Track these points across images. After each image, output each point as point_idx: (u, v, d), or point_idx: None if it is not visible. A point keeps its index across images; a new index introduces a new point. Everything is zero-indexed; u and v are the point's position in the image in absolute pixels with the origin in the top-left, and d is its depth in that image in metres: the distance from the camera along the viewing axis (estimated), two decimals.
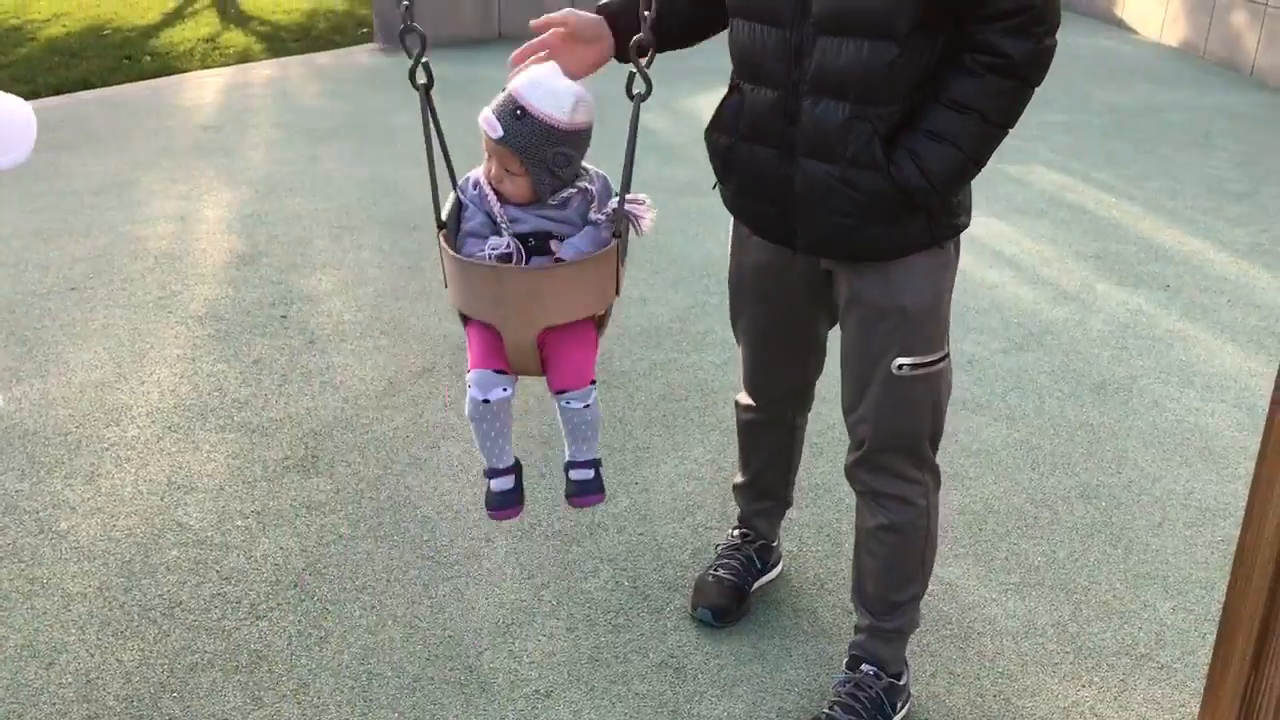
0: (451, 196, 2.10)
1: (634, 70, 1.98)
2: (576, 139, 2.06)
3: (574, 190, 2.08)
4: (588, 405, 2.14)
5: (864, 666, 2.45)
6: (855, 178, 2.07)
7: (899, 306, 2.19)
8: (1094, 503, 3.31)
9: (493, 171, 2.04)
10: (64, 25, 10.21)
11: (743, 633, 2.73)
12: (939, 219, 2.16)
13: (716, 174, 2.35)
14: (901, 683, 2.47)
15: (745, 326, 2.58)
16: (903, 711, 2.46)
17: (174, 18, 10.94)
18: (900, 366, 2.22)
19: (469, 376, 2.10)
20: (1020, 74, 2.01)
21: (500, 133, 1.99)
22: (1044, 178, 6.45)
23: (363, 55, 9.57)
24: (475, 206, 2.08)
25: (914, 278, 2.18)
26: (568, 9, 2.27)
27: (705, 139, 2.33)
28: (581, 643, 2.69)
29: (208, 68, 9.02)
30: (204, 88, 8.33)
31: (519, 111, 1.99)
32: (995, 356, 4.21)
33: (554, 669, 2.60)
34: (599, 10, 2.29)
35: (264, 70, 8.97)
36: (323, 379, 3.90)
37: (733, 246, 2.50)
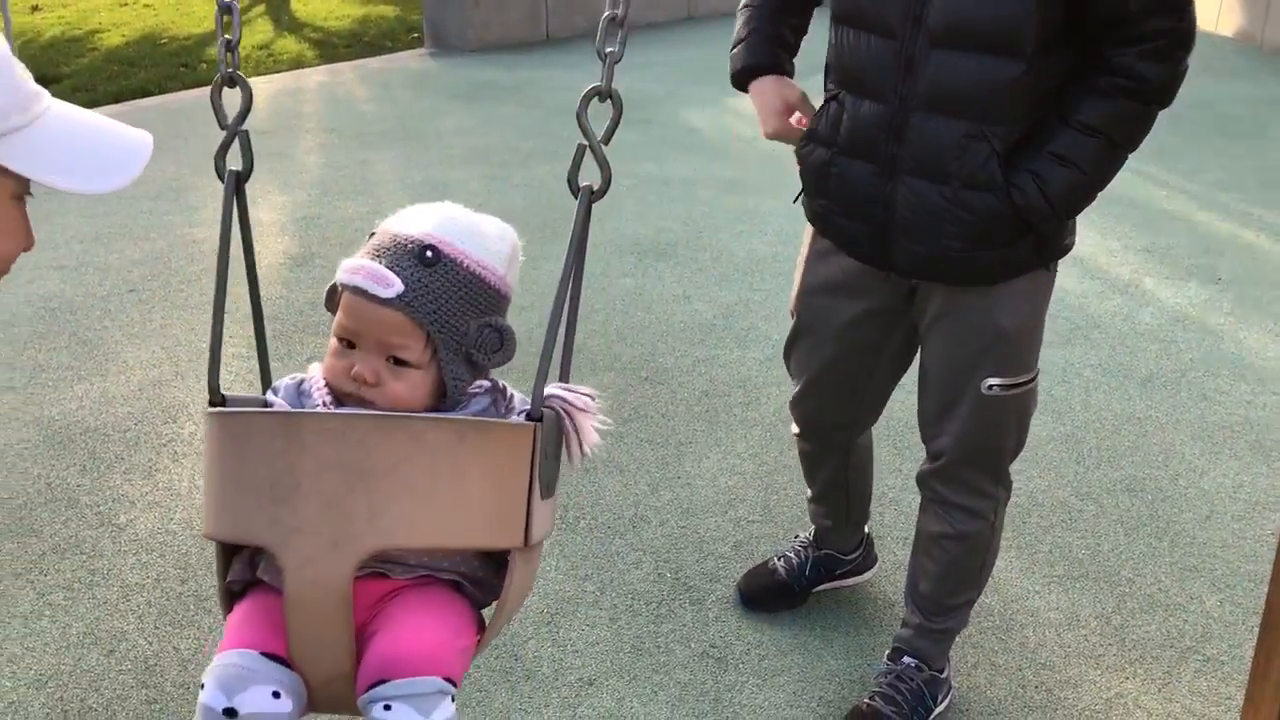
0: (255, 395, 1.43)
1: (582, 145, 1.34)
2: (505, 308, 1.38)
3: (478, 388, 1.36)
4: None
5: (906, 659, 2.46)
6: (969, 199, 1.97)
7: (997, 327, 2.11)
8: (1140, 496, 3.29)
9: (358, 369, 1.27)
10: (123, 35, 10.45)
11: (783, 624, 2.76)
12: (1049, 241, 2.08)
13: (806, 188, 2.23)
14: (943, 676, 2.47)
15: (804, 351, 2.44)
16: (944, 704, 2.47)
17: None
18: (991, 387, 2.15)
19: (209, 667, 1.24)
20: (1153, 98, 1.93)
21: (398, 288, 1.25)
22: None
23: (413, 60, 9.69)
24: (289, 402, 1.39)
25: (1015, 299, 2.10)
26: (778, 95, 2.21)
27: (796, 151, 2.21)
28: (624, 633, 2.72)
29: (261, 74, 9.19)
30: (258, 94, 8.41)
31: (429, 254, 1.27)
32: (1042, 349, 4.18)
33: (597, 658, 2.64)
34: (768, 71, 2.27)
35: (316, 76, 9.12)
36: None
37: (807, 261, 2.34)
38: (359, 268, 1.30)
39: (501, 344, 1.31)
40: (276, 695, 1.14)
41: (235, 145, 1.39)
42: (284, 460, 1.10)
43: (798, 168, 2.24)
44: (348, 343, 1.30)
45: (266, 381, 1.41)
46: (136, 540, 3.06)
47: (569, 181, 1.34)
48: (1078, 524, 3.16)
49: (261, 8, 12.08)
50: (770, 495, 3.28)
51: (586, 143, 1.35)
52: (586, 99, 1.34)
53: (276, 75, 9.13)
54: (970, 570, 2.41)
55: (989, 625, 2.76)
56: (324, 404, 1.30)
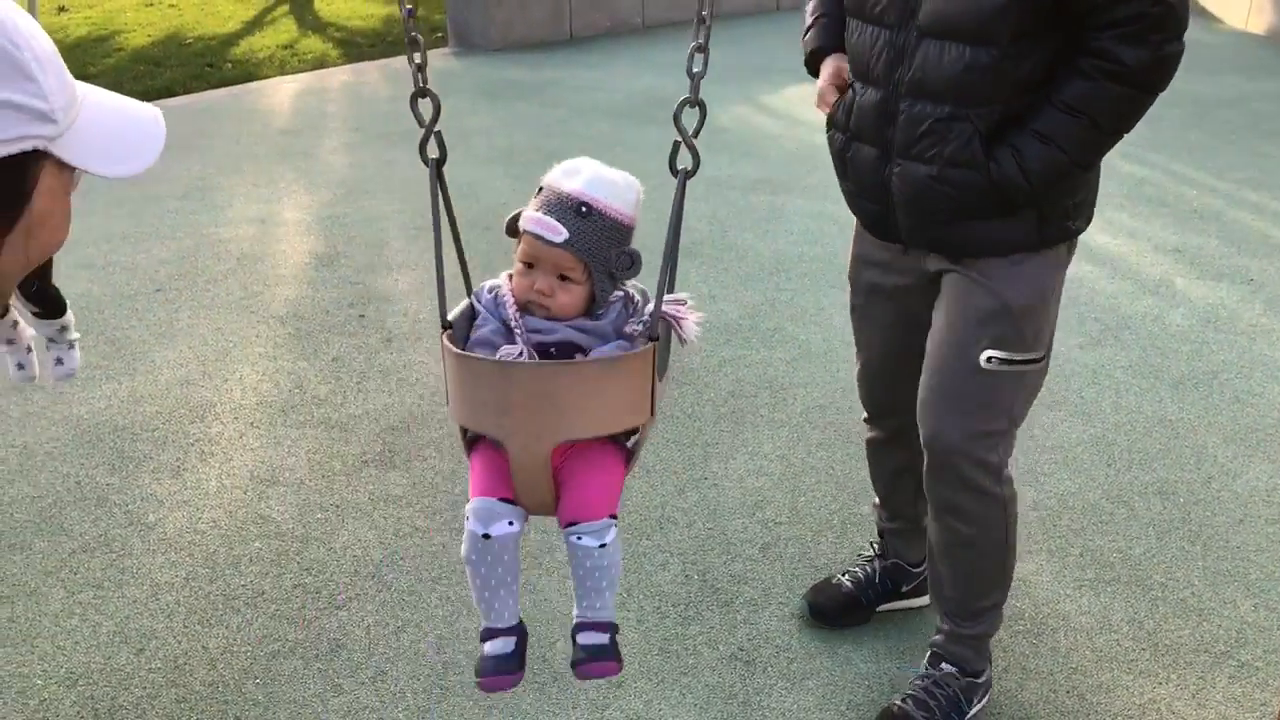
0: (464, 301, 1.83)
1: (678, 140, 1.72)
2: (632, 236, 1.82)
3: (616, 297, 1.80)
4: (604, 545, 1.70)
5: (944, 665, 2.44)
6: (951, 175, 2.08)
7: (1000, 301, 2.15)
8: (1172, 499, 3.26)
9: (537, 284, 1.73)
10: (148, 35, 10.51)
11: (814, 626, 2.74)
12: (1050, 220, 2.14)
13: (836, 172, 2.37)
14: (981, 679, 2.45)
15: (859, 329, 2.56)
16: (979, 705, 2.45)
17: (253, 26, 11.19)
18: (990, 359, 2.17)
19: (468, 507, 1.72)
20: (1136, 81, 1.98)
21: (564, 235, 1.71)
22: (1123, 170, 6.34)
23: (436, 59, 9.70)
24: (488, 313, 1.79)
25: (1020, 275, 2.16)
26: (832, 66, 2.32)
27: (826, 136, 2.36)
28: (652, 634, 2.71)
29: (286, 74, 9.22)
30: (283, 93, 8.52)
31: (584, 208, 1.73)
32: (1072, 352, 4.15)
33: (625, 660, 2.63)
34: (825, 53, 2.36)
35: (340, 75, 9.15)
36: (400, 377, 3.98)
37: (854, 243, 2.49)
38: (537, 220, 1.73)
39: (632, 264, 1.76)
40: (511, 523, 1.70)
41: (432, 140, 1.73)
42: (502, 391, 1.64)
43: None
44: (528, 264, 1.75)
45: (445, 300, 1.78)
46: (165, 539, 3.07)
47: (670, 166, 1.72)
48: (1109, 527, 3.13)
49: (285, 7, 12.13)
50: (798, 497, 3.26)
51: (681, 139, 1.70)
52: (680, 106, 1.70)
53: (301, 75, 9.16)
54: (987, 574, 2.39)
55: (1020, 629, 2.73)
56: (515, 317, 1.74)
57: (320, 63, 9.64)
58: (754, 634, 2.72)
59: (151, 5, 12.31)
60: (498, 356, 1.69)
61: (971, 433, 2.24)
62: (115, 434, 3.59)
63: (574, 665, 1.76)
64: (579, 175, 1.76)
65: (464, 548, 1.72)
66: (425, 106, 1.70)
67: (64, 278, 4.73)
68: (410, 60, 1.73)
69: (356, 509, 3.21)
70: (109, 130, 1.19)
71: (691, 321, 1.78)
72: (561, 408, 1.63)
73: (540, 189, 1.77)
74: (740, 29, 10.48)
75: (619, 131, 6.89)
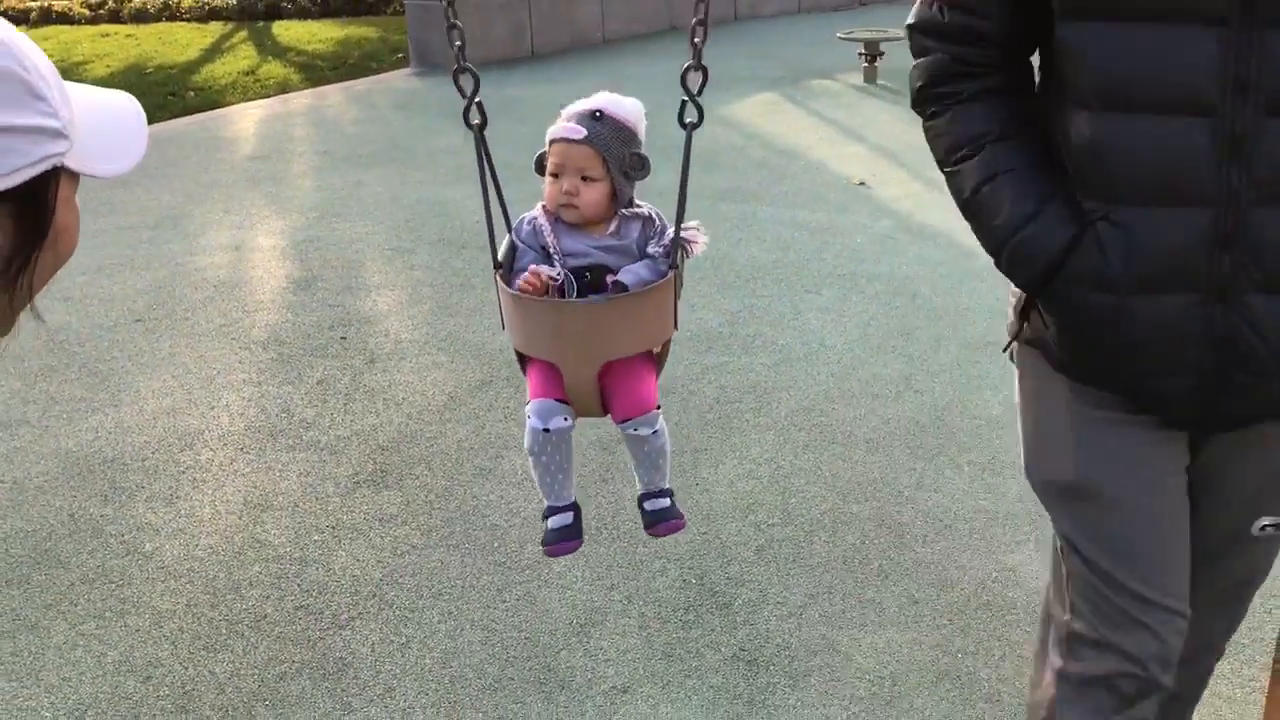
0: (506, 239, 2.06)
1: (685, 99, 1.95)
2: (641, 144, 2.09)
3: (636, 216, 2.05)
4: (655, 431, 2.04)
5: None
6: None
7: None
8: None
9: (566, 186, 1.99)
10: (107, 66, 10.46)
11: (811, 624, 2.79)
12: None
13: (1074, 340, 1.68)
14: None
15: (1097, 523, 1.77)
16: None
17: (212, 53, 11.17)
18: (1264, 528, 1.79)
19: (528, 407, 2.02)
20: None
21: (584, 133, 1.98)
22: None
23: (398, 80, 9.73)
24: (528, 245, 2.04)
25: None
26: None
27: (1049, 298, 1.66)
28: (654, 639, 2.76)
29: (249, 100, 9.21)
30: (247, 119, 8.52)
31: (597, 114, 2.01)
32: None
33: (629, 665, 2.67)
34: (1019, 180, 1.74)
35: (303, 99, 9.15)
36: (385, 396, 4.01)
37: (1075, 428, 1.75)
38: (560, 128, 1.99)
39: (642, 164, 2.02)
40: (565, 419, 2.00)
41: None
42: (554, 325, 1.95)
43: (1028, 317, 1.77)
44: (554, 175, 1.99)
45: (495, 244, 2.01)
46: (164, 567, 3.08)
47: (679, 120, 1.93)
48: None
49: (243, 34, 12.11)
50: (789, 499, 3.31)
51: (686, 98, 1.94)
52: (686, 70, 1.93)
53: (264, 100, 9.16)
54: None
55: (1014, 619, 2.79)
56: (553, 244, 1.99)
57: (282, 87, 9.64)
58: (754, 634, 2.77)
59: (108, 36, 12.27)
60: (541, 269, 1.96)
61: (1228, 603, 1.98)
62: (106, 465, 3.59)
63: (647, 528, 2.17)
64: (593, 98, 2.06)
65: (526, 441, 2.04)
66: (466, 81, 1.94)
67: (42, 310, 4.73)
68: (451, 44, 1.98)
69: (352, 529, 3.24)
70: (100, 129, 1.17)
71: (700, 244, 2.05)
72: (605, 336, 1.94)
73: (558, 116, 2.06)
74: None
75: None
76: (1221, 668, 2.59)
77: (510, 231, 2.06)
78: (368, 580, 3.01)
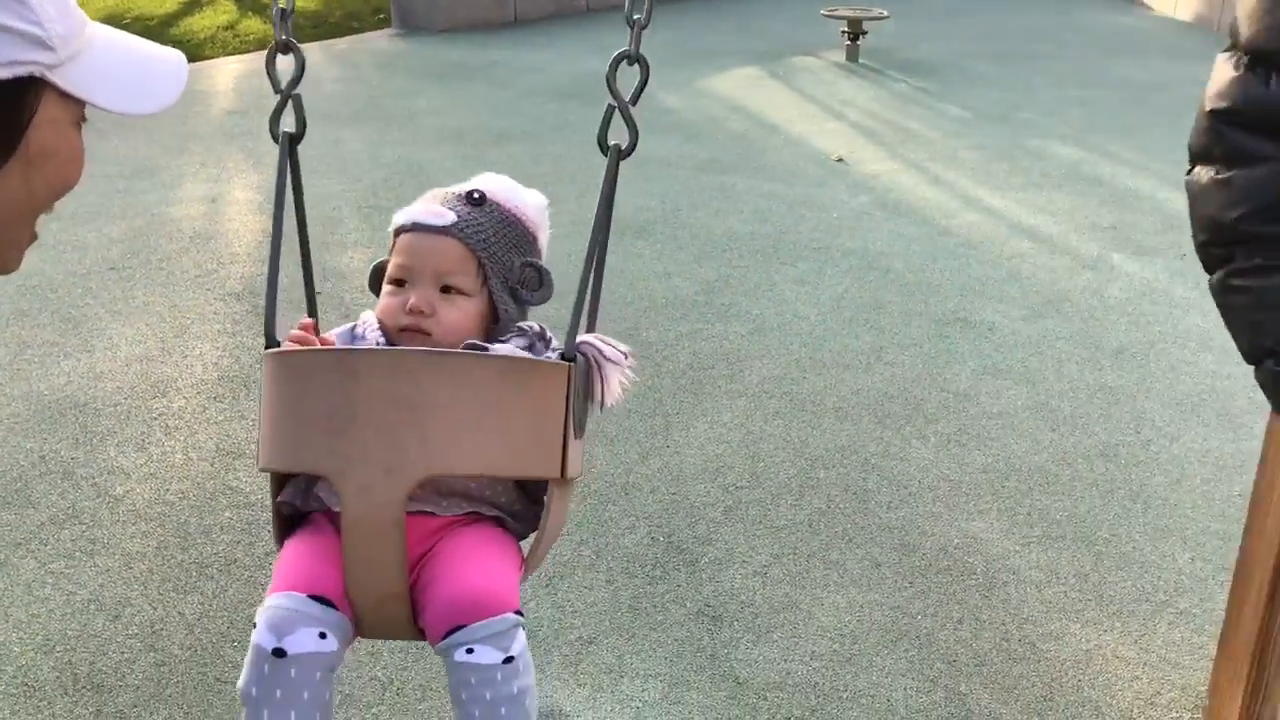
0: (310, 337, 1.46)
1: (612, 106, 1.37)
2: (540, 255, 1.49)
3: (520, 332, 1.45)
4: (509, 660, 1.20)
5: None
6: None
7: None
8: (1113, 461, 3.40)
9: (414, 301, 1.36)
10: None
11: (775, 583, 2.84)
12: None
13: None
14: None
15: None
16: None
17: (192, 6, 11.04)
18: None
19: (258, 611, 1.26)
20: None
21: (451, 218, 1.38)
22: (1060, 151, 6.52)
23: (380, 40, 9.67)
24: (342, 344, 1.47)
25: None
26: None
27: None
28: (621, 593, 2.80)
29: (228, 55, 9.13)
30: (225, 74, 8.45)
31: (476, 195, 1.42)
32: (1015, 324, 4.30)
33: (595, 618, 2.71)
34: None
35: (283, 57, 9.08)
36: None
37: None
38: (416, 209, 1.41)
39: (541, 282, 1.40)
40: (323, 636, 1.18)
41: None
42: (341, 393, 1.16)
43: None
44: (400, 283, 1.40)
45: (275, 310, 1.52)
46: (134, 511, 3.09)
47: (599, 141, 1.40)
48: (1055, 488, 3.26)
49: None
50: (757, 462, 3.36)
51: (615, 104, 1.39)
52: (615, 62, 1.39)
53: (244, 55, 9.08)
54: None
55: (973, 584, 2.85)
56: (377, 344, 1.36)
57: (261, 44, 9.55)
58: (719, 591, 2.81)
59: None
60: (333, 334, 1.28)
61: None
62: (77, 410, 3.59)
63: None
64: (473, 179, 1.49)
65: (242, 677, 1.19)
66: (286, 65, 1.30)
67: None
68: (273, 5, 1.45)
69: None
70: (119, 66, 1.12)
71: (617, 380, 1.35)
72: (428, 423, 1.14)
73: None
74: (682, 13, 10.55)
75: (566, 112, 6.93)
76: (1171, 635, 2.67)
77: (308, 306, 1.45)
78: None
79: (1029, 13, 11.21)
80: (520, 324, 1.45)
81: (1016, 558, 2.96)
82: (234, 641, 2.61)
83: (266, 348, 1.37)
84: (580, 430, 1.33)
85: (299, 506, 1.29)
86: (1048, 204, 5.64)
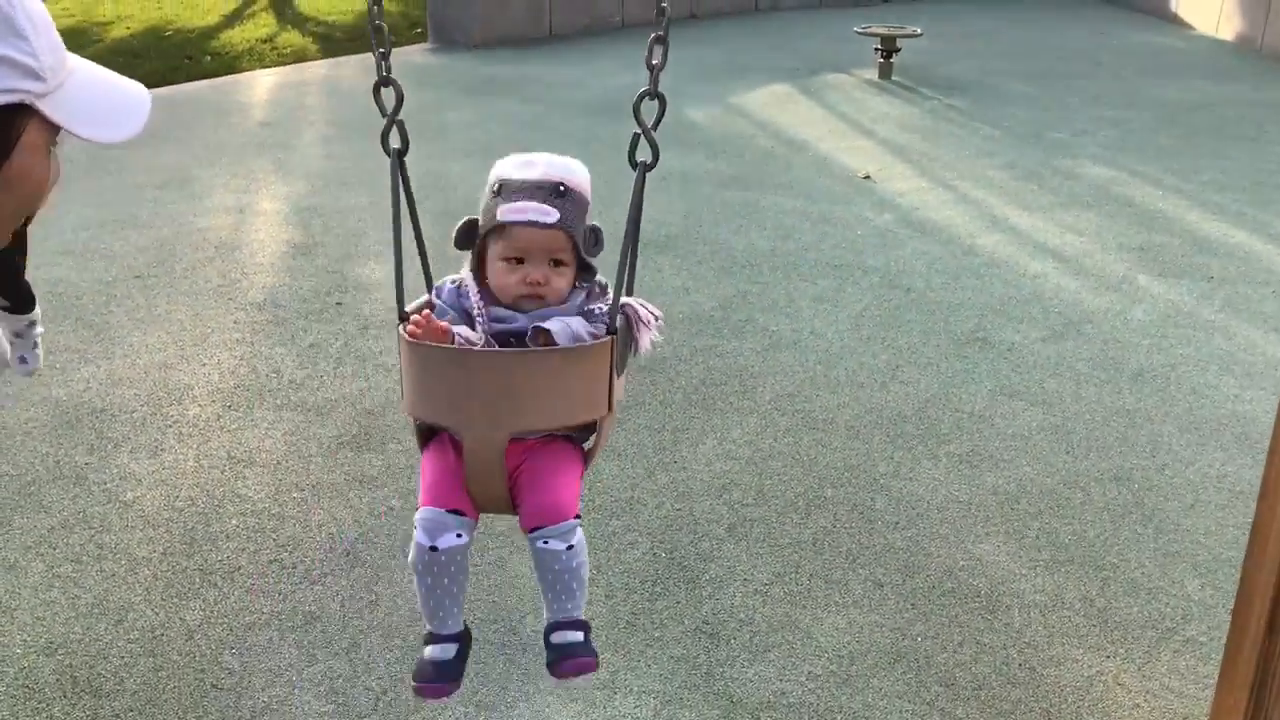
0: (423, 296, 1.81)
1: (638, 133, 1.71)
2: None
3: (581, 288, 1.81)
4: (570, 547, 1.70)
5: None
6: None
7: None
8: (1127, 485, 3.35)
9: (530, 276, 1.72)
10: (127, 27, 10.51)
11: (776, 601, 2.82)
12: None
13: None
14: None
15: None
16: None
17: (233, 19, 11.21)
18: None
19: (416, 516, 1.71)
20: None
21: (556, 215, 1.71)
22: (1091, 171, 6.46)
23: (416, 54, 9.76)
24: (447, 305, 1.78)
25: None
26: None
27: None
28: (620, 609, 2.79)
29: (265, 67, 9.25)
30: (261, 86, 8.56)
31: (560, 188, 1.73)
32: (1034, 344, 4.26)
33: (594, 633, 2.70)
34: None
35: (319, 69, 9.19)
36: (375, 362, 4.04)
37: None
38: (525, 208, 1.72)
39: (598, 240, 1.79)
40: (459, 535, 1.69)
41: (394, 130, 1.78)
42: (458, 379, 1.64)
43: None
44: (519, 260, 1.73)
45: (404, 293, 1.78)
46: (143, 516, 3.12)
47: (629, 159, 1.72)
48: (1064, 511, 3.22)
49: (264, 2, 12.15)
50: (764, 480, 3.34)
51: (640, 131, 1.71)
52: (639, 99, 1.70)
53: (279, 68, 9.20)
54: None
55: (976, 606, 2.82)
56: (478, 306, 1.73)
57: (299, 56, 9.68)
58: (718, 609, 2.80)
59: None
60: (455, 342, 1.68)
61: None
62: (94, 415, 3.64)
63: (550, 666, 1.77)
64: (537, 164, 1.76)
65: (410, 556, 1.70)
66: (388, 96, 1.73)
67: (43, 264, 4.80)
68: (374, 50, 1.75)
69: (332, 489, 3.27)
70: (96, 97, 1.23)
71: (652, 334, 1.76)
72: (518, 397, 1.62)
73: (498, 186, 1.76)
74: (718, 29, 10.57)
75: (596, 127, 6.96)
76: (1176, 664, 2.62)
77: (429, 291, 1.81)
78: (342, 539, 3.05)
79: (1065, 32, 11.13)
80: (586, 282, 1.82)
81: (1022, 581, 2.92)
82: (232, 648, 2.63)
83: (400, 320, 1.74)
84: (621, 372, 1.76)
85: (433, 426, 1.79)
86: (1075, 224, 5.59)
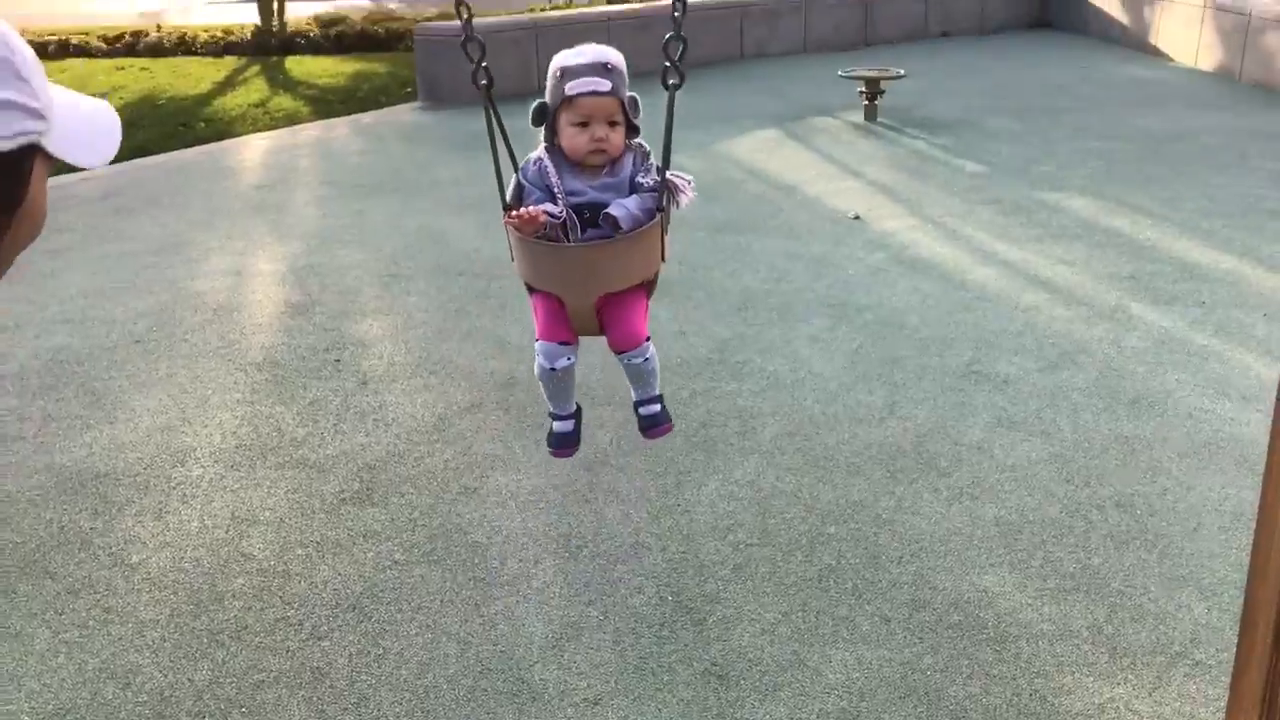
0: (513, 180, 2.40)
1: (667, 64, 2.32)
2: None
3: (628, 149, 2.40)
4: (646, 359, 2.50)
5: None
6: None
7: None
8: (1129, 511, 3.37)
9: (600, 134, 2.31)
10: (121, 97, 10.62)
11: (783, 640, 2.82)
12: None
13: None
14: None
15: None
16: None
17: (225, 86, 11.33)
18: None
19: (536, 346, 2.48)
20: None
21: (609, 85, 2.30)
22: (1078, 204, 6.52)
23: (406, 113, 9.87)
24: (533, 185, 2.36)
25: None
26: None
27: None
28: (628, 654, 2.79)
29: (258, 131, 9.35)
30: (255, 149, 8.64)
31: (608, 66, 2.31)
32: (1030, 375, 4.28)
33: (602, 679, 2.70)
34: None
35: (311, 131, 9.29)
36: (375, 417, 4.06)
37: None
38: (586, 82, 2.29)
39: (637, 105, 2.37)
40: (568, 359, 2.47)
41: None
42: (557, 263, 2.34)
43: None
44: (584, 125, 2.30)
45: (503, 188, 2.52)
46: (149, 579, 3.12)
47: (662, 82, 2.33)
48: (1068, 539, 3.23)
49: (256, 68, 12.29)
50: (768, 519, 3.35)
51: (669, 63, 2.32)
52: (666, 40, 2.32)
53: (272, 131, 9.30)
54: None
55: (984, 638, 2.82)
56: (557, 184, 2.32)
57: (291, 119, 9.78)
58: (727, 650, 2.80)
59: (123, 69, 12.46)
60: (543, 221, 2.26)
61: None
62: (97, 480, 3.65)
63: (642, 431, 2.71)
64: (585, 51, 2.35)
65: (536, 370, 2.52)
66: (474, 48, 2.29)
67: (43, 332, 4.84)
68: (459, 16, 2.36)
69: (336, 545, 3.28)
70: (79, 123, 1.27)
71: (688, 195, 2.39)
72: (601, 272, 2.31)
73: (560, 72, 2.33)
74: (704, 77, 10.69)
75: None
76: (1186, 688, 2.62)
77: (517, 172, 2.39)
78: (348, 594, 3.05)
79: (1047, 67, 11.27)
80: (630, 144, 2.42)
81: (1029, 611, 2.92)
82: (241, 707, 2.63)
83: (504, 209, 2.41)
84: (667, 229, 2.46)
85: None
86: (1065, 255, 5.64)
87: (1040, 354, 4.48)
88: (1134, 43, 12.09)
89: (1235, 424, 3.89)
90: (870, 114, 8.89)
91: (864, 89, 8.90)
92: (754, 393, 4.21)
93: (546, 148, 2.40)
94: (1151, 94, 9.71)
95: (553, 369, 2.46)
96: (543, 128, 2.43)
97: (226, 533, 3.35)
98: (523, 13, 12.13)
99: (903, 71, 9.05)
